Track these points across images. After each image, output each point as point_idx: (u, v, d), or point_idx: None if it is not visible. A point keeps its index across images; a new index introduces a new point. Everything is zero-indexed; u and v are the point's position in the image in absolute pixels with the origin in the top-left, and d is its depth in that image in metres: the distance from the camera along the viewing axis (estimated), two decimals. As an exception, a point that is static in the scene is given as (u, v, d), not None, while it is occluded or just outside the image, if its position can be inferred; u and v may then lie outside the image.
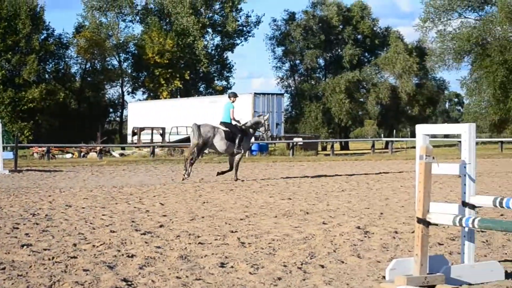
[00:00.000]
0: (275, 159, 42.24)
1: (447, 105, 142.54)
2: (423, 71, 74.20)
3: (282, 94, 62.45)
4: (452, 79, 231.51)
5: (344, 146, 72.68)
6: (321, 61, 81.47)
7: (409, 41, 79.27)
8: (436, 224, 7.53)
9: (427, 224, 7.14)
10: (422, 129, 7.63)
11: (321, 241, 9.82)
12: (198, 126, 23.51)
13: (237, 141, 23.48)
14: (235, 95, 24.42)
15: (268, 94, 57.08)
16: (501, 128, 59.59)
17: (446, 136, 69.90)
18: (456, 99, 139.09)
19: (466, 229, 7.30)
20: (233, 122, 23.75)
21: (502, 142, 51.38)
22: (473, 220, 6.91)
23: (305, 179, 23.45)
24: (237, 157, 23.85)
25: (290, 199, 16.10)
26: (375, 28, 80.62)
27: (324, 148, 66.46)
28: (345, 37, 77.43)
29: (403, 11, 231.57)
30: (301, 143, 54.34)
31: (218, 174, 24.01)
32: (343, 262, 8.42)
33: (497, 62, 54.78)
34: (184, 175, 22.87)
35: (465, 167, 7.26)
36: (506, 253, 9.09)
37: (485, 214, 12.23)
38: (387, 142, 60.40)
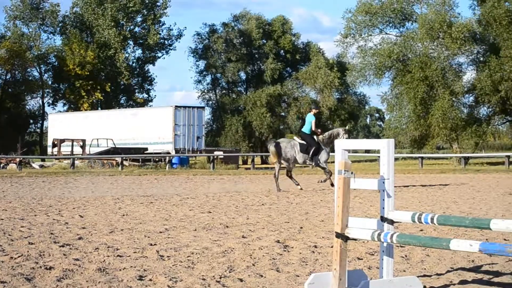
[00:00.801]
0: (195, 172, 42.11)
1: (368, 120, 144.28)
2: (344, 86, 74.89)
3: (203, 107, 62.32)
4: (373, 94, 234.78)
5: (265, 160, 72.85)
6: (242, 74, 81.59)
7: (330, 56, 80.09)
8: (355, 239, 7.53)
9: (345, 238, 7.14)
10: (341, 144, 7.64)
11: (240, 255, 9.81)
12: (275, 144, 25.12)
13: (310, 153, 24.66)
14: (316, 107, 26.44)
15: (189, 107, 56.94)
16: (421, 144, 60.35)
17: (367, 151, 70.69)
18: (377, 114, 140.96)
19: (385, 244, 7.31)
20: (315, 133, 24.90)
21: (422, 158, 52.08)
22: (392, 235, 6.93)
23: (225, 193, 23.37)
24: (325, 169, 25.24)
25: (210, 212, 16.05)
26: (296, 43, 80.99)
27: (244, 162, 66.58)
28: (267, 51, 77.64)
29: (324, 26, 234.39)
30: (222, 156, 54.33)
31: (320, 182, 26.17)
32: (262, 276, 8.41)
33: (417, 78, 55.52)
34: (297, 186, 24.97)
35: (383, 182, 7.28)
36: (425, 268, 9.16)
37: (405, 229, 12.34)
38: (307, 156, 60.62)
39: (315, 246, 10.67)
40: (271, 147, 25.22)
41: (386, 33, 61.11)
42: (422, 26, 55.72)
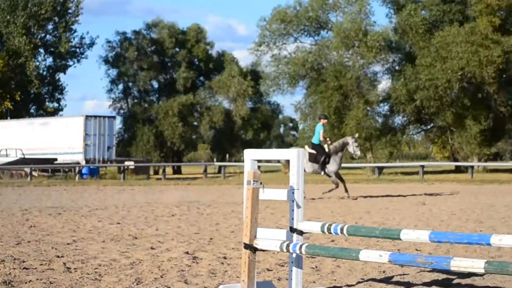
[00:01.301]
0: (106, 183, 41.79)
1: (281, 130, 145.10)
2: (258, 95, 75.11)
3: (114, 117, 61.71)
4: (287, 104, 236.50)
5: (177, 170, 72.57)
6: (154, 83, 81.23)
7: (244, 64, 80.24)
8: (264, 250, 7.40)
9: (254, 249, 7.02)
10: (250, 154, 7.50)
11: (148, 267, 9.65)
12: None
13: (320, 162, 25.17)
14: (325, 117, 26.82)
15: (100, 116, 56.31)
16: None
17: (279, 161, 70.94)
18: (290, 124, 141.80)
19: (294, 255, 7.21)
20: (324, 143, 25.42)
21: (337, 167, 52.46)
22: (301, 246, 6.82)
23: (135, 204, 23.10)
24: (332, 178, 25.86)
25: (119, 223, 15.80)
26: (210, 52, 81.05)
27: (156, 172, 66.16)
28: (179, 60, 77.41)
29: (240, 34, 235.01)
30: (133, 166, 53.93)
31: (326, 192, 25.95)
32: (169, 288, 8.18)
33: (332, 87, 56.01)
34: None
35: (293, 193, 7.15)
36: (335, 279, 9.08)
37: (316, 240, 12.29)
38: (220, 167, 60.68)
39: (225, 257, 10.56)
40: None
41: (301, 42, 61.60)
42: (337, 34, 56.26)
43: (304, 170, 23.07)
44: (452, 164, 60.89)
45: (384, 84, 60.79)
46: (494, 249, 11.47)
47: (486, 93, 57.95)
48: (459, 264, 6.02)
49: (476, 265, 5.95)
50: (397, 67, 59.13)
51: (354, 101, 56.47)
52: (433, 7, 60.27)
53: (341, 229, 6.77)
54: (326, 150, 25.46)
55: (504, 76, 57.58)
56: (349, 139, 26.16)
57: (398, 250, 11.60)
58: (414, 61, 56.58)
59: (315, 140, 25.65)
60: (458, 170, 57.50)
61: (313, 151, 25.42)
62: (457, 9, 60.29)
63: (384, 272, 9.62)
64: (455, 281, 9.03)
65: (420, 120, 60.89)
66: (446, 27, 57.15)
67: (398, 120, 61.32)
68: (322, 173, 25.81)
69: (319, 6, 59.36)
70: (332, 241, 12.52)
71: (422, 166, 49.51)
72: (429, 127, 63.33)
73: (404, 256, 6.66)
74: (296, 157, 7.18)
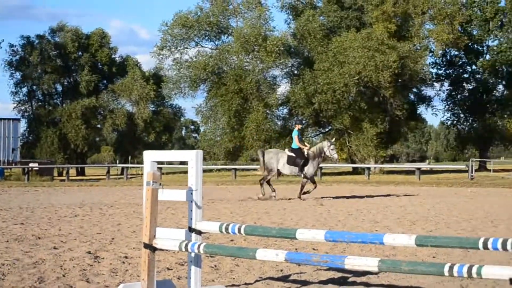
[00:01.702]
0: (10, 184, 41.20)
1: (183, 132, 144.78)
2: (160, 98, 74.92)
3: (18, 119, 60.84)
4: (188, 107, 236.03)
5: (80, 172, 71.84)
6: (58, 86, 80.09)
7: (147, 68, 80.00)
8: (163, 249, 7.53)
9: (153, 249, 7.14)
10: (149, 156, 7.61)
11: (51, 266, 9.66)
12: (263, 154, 26.46)
13: (299, 165, 25.95)
14: (300, 122, 28.90)
15: (4, 119, 55.39)
16: (236, 156, 61.07)
17: (182, 163, 70.83)
18: (192, 126, 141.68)
19: (193, 254, 7.33)
20: (302, 147, 26.28)
21: (236, 170, 52.77)
22: (199, 246, 6.95)
23: (39, 204, 22.84)
24: (303, 181, 26.55)
25: (23, 224, 15.67)
26: (113, 56, 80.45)
27: (60, 174, 65.49)
28: (83, 63, 76.58)
29: (142, 39, 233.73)
30: (37, 168, 53.19)
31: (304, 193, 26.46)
32: (71, 286, 8.35)
33: (232, 90, 56.12)
34: (258, 195, 26.31)
35: (192, 194, 7.29)
36: (234, 278, 9.22)
37: (216, 240, 12.44)
38: (122, 168, 60.49)
39: (126, 257, 10.63)
40: (259, 156, 26.92)
41: (202, 46, 61.61)
42: (237, 39, 56.46)
43: (280, 172, 23.41)
44: (349, 166, 61.86)
45: (283, 88, 61.40)
46: (389, 248, 11.77)
47: (382, 97, 59.08)
48: (353, 262, 6.25)
49: (370, 263, 6.19)
50: (296, 71, 59.66)
51: (254, 104, 56.75)
52: (331, 13, 61.21)
53: (239, 229, 6.91)
54: (305, 154, 26.14)
55: (399, 80, 58.80)
56: (325, 144, 26.64)
57: (296, 249, 11.78)
58: (313, 65, 57.24)
59: (294, 145, 26.40)
60: (355, 171, 58.40)
61: (293, 154, 26.12)
62: (354, 16, 61.37)
63: (282, 271, 9.81)
64: (350, 280, 9.26)
65: (318, 123, 61.62)
66: (343, 33, 58.06)
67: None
68: (302, 175, 26.43)
69: (220, 11, 59.51)
70: (232, 240, 12.68)
71: (321, 168, 50.15)
72: (327, 129, 64.12)
73: (300, 255, 6.87)
74: (195, 159, 7.32)
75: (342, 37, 57.03)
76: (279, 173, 27.06)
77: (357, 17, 61.53)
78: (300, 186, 26.67)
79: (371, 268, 6.24)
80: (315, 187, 26.85)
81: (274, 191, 26.60)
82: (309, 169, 26.32)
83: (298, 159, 26.00)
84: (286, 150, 26.91)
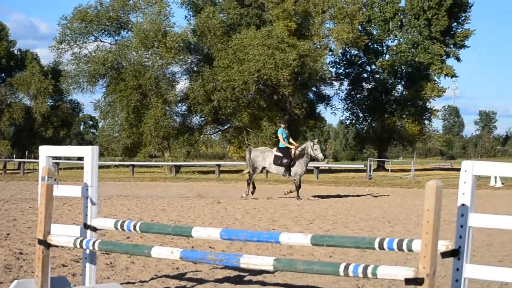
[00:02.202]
0: None
1: (81, 128, 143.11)
2: (58, 92, 73.72)
3: None
4: (87, 102, 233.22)
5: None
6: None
7: (46, 62, 78.55)
8: (57, 246, 7.42)
9: (47, 245, 7.06)
10: (45, 151, 7.50)
11: None
12: (250, 152, 26.62)
13: (284, 165, 26.03)
14: (283, 122, 28.02)
15: None
16: (134, 152, 60.60)
17: (80, 158, 69.77)
18: (90, 122, 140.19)
19: (87, 251, 7.27)
20: (291, 147, 26.28)
21: (133, 166, 52.49)
22: (94, 242, 6.89)
23: None
24: (296, 180, 26.42)
25: None
26: (12, 49, 78.79)
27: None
28: (-21, 57, 74.85)
29: (42, 32, 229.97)
30: None
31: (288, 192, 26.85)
32: (-38, 285, 8.14)
33: (131, 86, 55.62)
34: (245, 192, 26.53)
35: (87, 190, 7.21)
36: (129, 275, 9.20)
37: (112, 237, 12.34)
38: (19, 163, 59.42)
39: (21, 253, 10.50)
40: (246, 154, 27.22)
41: (102, 41, 60.81)
42: (137, 34, 56.00)
43: (265, 170, 26.34)
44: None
45: (183, 84, 61.13)
46: (286, 247, 11.87)
47: (281, 95, 59.46)
48: (248, 261, 6.28)
49: (265, 262, 6.22)
50: (195, 68, 59.48)
51: (153, 100, 56.37)
52: (231, 11, 61.34)
53: (134, 226, 6.89)
54: (292, 154, 26.09)
55: (299, 79, 59.28)
56: (308, 144, 26.56)
57: (192, 247, 11.79)
58: (212, 62, 57.21)
59: (280, 144, 26.40)
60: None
61: (280, 154, 26.08)
62: (254, 13, 61.64)
63: (177, 268, 9.82)
64: (246, 278, 9.33)
65: (217, 120, 61.60)
66: (243, 30, 58.24)
67: (196, 120, 61.78)
68: (287, 175, 26.48)
69: (120, 6, 58.86)
70: (128, 238, 12.61)
71: (219, 166, 50.31)
72: (226, 127, 64.20)
73: (195, 253, 6.87)
74: (91, 155, 7.24)
75: (242, 35, 57.19)
76: (267, 172, 27.42)
77: (258, 14, 61.82)
78: (296, 187, 26.40)
79: (267, 267, 6.27)
80: (298, 190, 26.43)
81: (253, 193, 26.48)
82: (296, 170, 26.27)
83: (284, 160, 25.99)
84: (275, 149, 26.82)
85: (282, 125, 27.02)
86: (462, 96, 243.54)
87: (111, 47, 59.69)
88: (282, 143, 26.28)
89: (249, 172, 26.86)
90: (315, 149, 26.30)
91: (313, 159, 27.04)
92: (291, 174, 26.32)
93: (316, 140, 27.34)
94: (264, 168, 27.00)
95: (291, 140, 26.78)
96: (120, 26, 60.31)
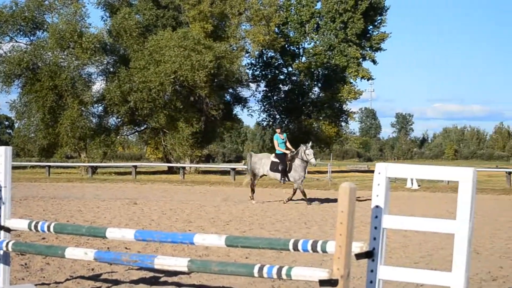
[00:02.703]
0: None
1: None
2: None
3: None
4: (2, 102, 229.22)
5: None
6: None
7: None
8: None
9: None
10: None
11: None
12: (250, 157, 26.50)
13: (281, 171, 25.60)
14: (278, 127, 28.65)
15: None
16: (50, 153, 59.84)
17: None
18: (6, 122, 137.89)
19: (1, 251, 7.20)
20: (287, 152, 25.78)
21: (50, 167, 51.84)
22: (7, 243, 6.84)
23: None
24: (295, 186, 26.04)
25: None
26: None
27: None
28: None
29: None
30: None
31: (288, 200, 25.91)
32: None
33: (47, 87, 54.92)
34: (251, 197, 25.88)
35: (0, 191, 7.15)
36: (44, 277, 9.12)
37: (27, 238, 12.21)
38: None
39: None
40: (247, 159, 27.14)
41: (17, 41, 59.86)
42: (52, 35, 55.33)
43: (261, 177, 25.40)
44: (164, 165, 61.89)
45: (99, 85, 60.56)
46: (202, 248, 11.89)
47: (198, 97, 59.43)
48: (162, 262, 6.32)
49: (180, 263, 6.27)
50: (111, 69, 59.01)
51: (69, 101, 55.75)
52: (147, 12, 61.06)
53: (48, 227, 6.85)
54: (288, 159, 25.64)
55: (215, 80, 59.31)
56: (300, 149, 25.91)
57: (108, 248, 11.73)
58: (128, 63, 56.88)
59: (277, 151, 25.95)
60: (170, 171, 58.50)
61: (276, 160, 25.68)
62: (170, 15, 61.46)
63: (93, 269, 9.77)
64: (162, 279, 9.33)
65: (134, 121, 61.21)
66: (160, 32, 58.02)
67: (112, 120, 61.32)
68: (282, 181, 26.20)
69: (35, 6, 58.07)
70: (43, 239, 12.48)
71: (135, 167, 50.06)
72: (142, 128, 63.94)
73: (109, 254, 6.88)
74: (4, 155, 7.18)
75: (158, 36, 56.97)
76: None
77: (174, 16, 61.65)
78: (302, 193, 25.87)
79: (181, 268, 6.32)
80: (293, 194, 26.18)
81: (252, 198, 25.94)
82: (293, 175, 25.81)
83: (280, 166, 25.60)
84: (272, 155, 26.27)
85: (278, 130, 26.87)
86: (379, 99, 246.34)
87: (26, 47, 58.80)
88: (278, 149, 25.96)
89: (250, 178, 26.48)
90: (308, 154, 25.75)
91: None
92: (290, 180, 25.95)
93: (309, 144, 26.47)
94: (264, 174, 26.53)
95: (288, 145, 26.26)
96: (36, 26, 59.46)
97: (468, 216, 5.59)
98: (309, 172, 56.04)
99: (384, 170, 5.93)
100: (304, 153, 25.77)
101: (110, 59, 59.40)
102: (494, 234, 15.86)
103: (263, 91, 73.18)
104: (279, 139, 26.05)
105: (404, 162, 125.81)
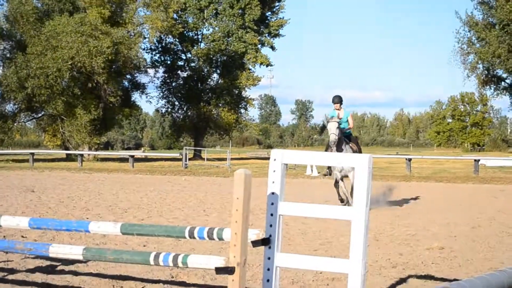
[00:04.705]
0: None
1: None
2: None
3: None
4: None
5: None
6: None
7: None
8: None
9: None
10: None
11: None
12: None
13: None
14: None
15: None
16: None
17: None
18: None
19: None
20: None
21: None
22: None
23: None
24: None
25: None
26: None
27: None
28: None
29: None
30: None
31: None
32: None
33: None
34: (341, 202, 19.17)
35: None
36: None
37: None
38: None
39: None
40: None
41: None
42: None
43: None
44: (63, 152, 61.06)
45: (-5, 71, 59.37)
46: (100, 236, 11.82)
47: (96, 83, 58.79)
48: (57, 250, 6.22)
49: (74, 251, 6.19)
50: (8, 55, 57.98)
51: (-39, 86, 54.63)
52: (44, -4, 60.10)
53: None
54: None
55: (113, 66, 58.83)
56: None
57: (4, 236, 11.54)
58: (25, 49, 55.94)
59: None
60: (69, 158, 57.77)
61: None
62: (67, 0, 60.54)
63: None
64: (59, 268, 9.24)
65: (31, 108, 60.22)
66: (57, 17, 57.15)
67: (9, 107, 60.22)
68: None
69: None
70: None
71: (32, 154, 49.16)
72: (40, 115, 62.94)
73: (3, 242, 6.75)
74: None
75: (55, 21, 56.17)
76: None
77: (71, 1, 60.71)
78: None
79: (76, 256, 6.24)
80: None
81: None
82: None
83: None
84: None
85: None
86: (278, 86, 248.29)
87: None
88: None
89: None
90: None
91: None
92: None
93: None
94: None
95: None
96: None
97: (365, 202, 5.62)
98: (208, 159, 56.39)
99: (280, 157, 5.94)
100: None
101: (7, 45, 58.30)
102: (394, 220, 16.13)
103: (161, 77, 72.92)
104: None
105: (305, 149, 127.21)
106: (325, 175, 20.88)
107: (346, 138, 19.30)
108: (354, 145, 19.44)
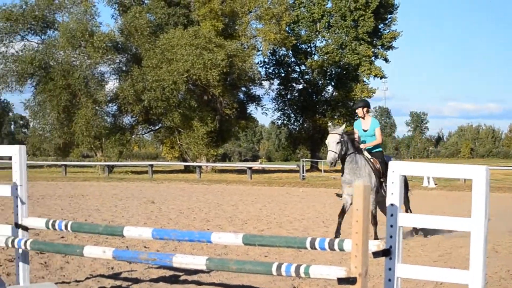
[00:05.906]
0: None
1: (12, 127, 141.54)
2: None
3: None
4: (16, 101, 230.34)
5: None
6: None
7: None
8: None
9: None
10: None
11: None
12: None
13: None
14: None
15: None
16: (66, 152, 60.06)
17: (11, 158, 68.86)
18: (21, 121, 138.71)
19: (20, 250, 7.16)
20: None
21: (66, 166, 51.95)
22: (25, 242, 6.78)
23: None
24: None
25: None
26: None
27: None
28: None
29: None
30: None
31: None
32: None
33: (60, 86, 55.02)
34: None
35: (17, 189, 7.08)
36: (64, 275, 9.08)
37: (46, 237, 12.16)
38: None
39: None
40: None
41: (28, 40, 59.97)
42: (63, 34, 55.37)
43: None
44: (181, 164, 61.91)
45: (112, 84, 60.65)
46: (221, 247, 11.82)
47: (211, 96, 59.41)
48: (181, 260, 6.24)
49: (198, 261, 6.19)
50: (124, 68, 59.05)
51: (83, 100, 55.81)
52: (158, 10, 60.88)
53: (65, 226, 6.80)
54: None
55: (228, 79, 59.33)
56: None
57: (127, 247, 11.68)
58: (141, 62, 56.85)
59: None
60: (187, 170, 58.53)
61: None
62: (181, 13, 61.31)
63: (112, 268, 9.71)
64: (182, 278, 9.26)
65: (148, 120, 61.25)
66: (171, 30, 57.95)
67: (127, 120, 61.34)
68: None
69: (45, 5, 58.11)
70: (62, 237, 12.43)
71: (151, 165, 50.01)
72: (157, 127, 63.95)
73: (128, 253, 6.81)
74: (18, 154, 7.10)
75: (169, 34, 56.89)
76: None
77: (185, 14, 61.55)
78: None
79: (199, 266, 6.25)
80: None
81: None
82: None
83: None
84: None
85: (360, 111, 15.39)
86: (393, 98, 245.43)
87: (38, 46, 58.89)
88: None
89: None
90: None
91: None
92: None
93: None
94: None
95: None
96: (46, 25, 59.51)
97: (483, 213, 5.53)
98: (325, 171, 56.13)
99: (398, 169, 5.88)
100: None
101: (122, 58, 59.43)
102: (512, 232, 15.68)
103: (276, 89, 73.25)
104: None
105: (420, 160, 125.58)
106: (338, 195, 15.20)
107: (367, 152, 14.51)
108: (377, 162, 14.44)
